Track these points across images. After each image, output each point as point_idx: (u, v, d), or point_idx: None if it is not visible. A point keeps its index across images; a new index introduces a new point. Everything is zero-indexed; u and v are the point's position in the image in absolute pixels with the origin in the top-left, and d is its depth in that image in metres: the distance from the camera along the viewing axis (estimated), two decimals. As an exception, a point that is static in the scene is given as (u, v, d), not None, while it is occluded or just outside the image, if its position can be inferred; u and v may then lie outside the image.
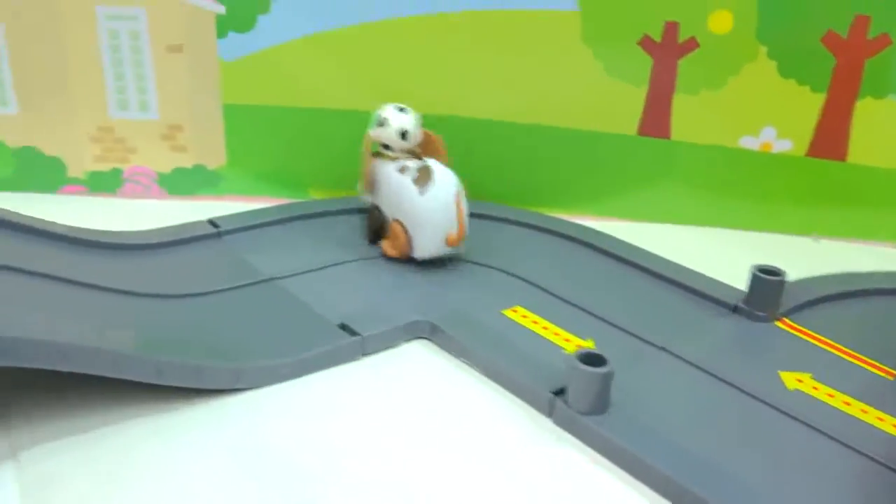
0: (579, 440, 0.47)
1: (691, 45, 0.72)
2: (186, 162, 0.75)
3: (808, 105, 0.74)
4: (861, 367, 0.55)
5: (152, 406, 0.47)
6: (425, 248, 0.62)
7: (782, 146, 0.76)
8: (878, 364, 0.55)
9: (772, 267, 0.60)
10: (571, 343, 0.55)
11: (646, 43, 0.72)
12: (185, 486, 0.42)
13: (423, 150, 0.65)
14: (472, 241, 0.64)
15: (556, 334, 0.56)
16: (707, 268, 0.65)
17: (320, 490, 0.42)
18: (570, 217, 0.75)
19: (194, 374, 0.47)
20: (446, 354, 0.55)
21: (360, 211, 0.71)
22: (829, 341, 0.58)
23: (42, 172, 0.74)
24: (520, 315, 0.58)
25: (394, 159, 0.64)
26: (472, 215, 0.63)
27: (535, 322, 0.57)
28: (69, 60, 0.71)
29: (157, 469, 0.43)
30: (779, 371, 0.54)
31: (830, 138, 0.75)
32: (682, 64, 0.73)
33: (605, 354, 0.47)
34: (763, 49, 0.72)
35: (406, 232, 0.62)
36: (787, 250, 0.74)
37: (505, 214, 0.72)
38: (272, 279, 0.60)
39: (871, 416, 0.50)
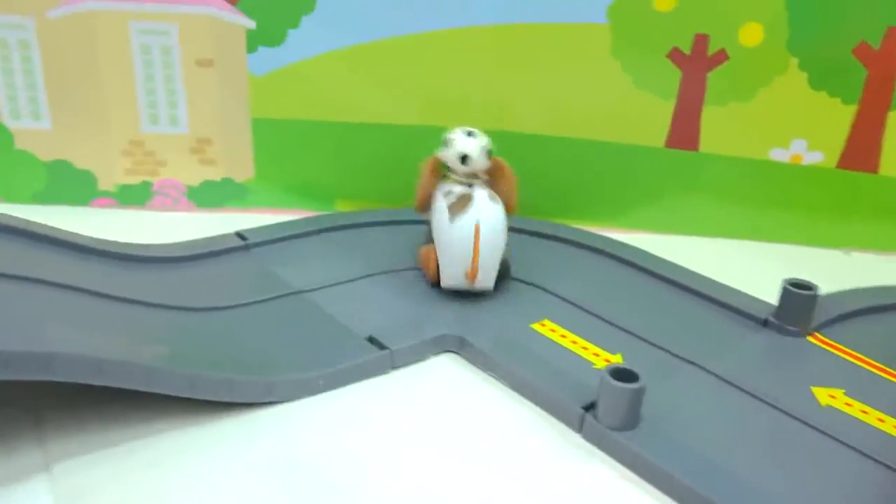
0: (609, 456, 0.47)
1: (721, 57, 0.72)
2: (215, 175, 0.76)
3: (839, 117, 0.73)
4: (895, 383, 0.54)
5: (183, 419, 0.47)
6: (448, 278, 0.60)
7: (813, 158, 0.75)
8: (912, 380, 0.54)
9: (803, 281, 0.59)
10: (600, 357, 0.55)
11: (675, 55, 0.72)
12: (216, 498, 0.42)
13: (490, 177, 0.61)
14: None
15: (585, 348, 0.56)
16: (736, 281, 0.64)
17: (350, 503, 0.42)
18: (597, 230, 0.75)
19: (226, 387, 0.47)
20: (474, 368, 0.55)
21: (387, 223, 0.72)
22: (862, 357, 0.57)
23: (73, 186, 0.75)
24: (548, 329, 0.58)
25: (456, 182, 0.61)
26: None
27: (564, 336, 0.57)
28: (102, 75, 0.72)
29: (189, 482, 0.43)
30: (811, 386, 0.53)
31: (862, 150, 0.74)
32: (712, 76, 0.73)
33: (636, 369, 0.47)
34: (794, 61, 0.71)
35: (437, 259, 0.61)
36: (818, 263, 0.73)
37: (533, 227, 0.72)
38: (300, 292, 0.60)
39: (907, 433, 0.49)
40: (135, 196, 0.76)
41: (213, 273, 0.62)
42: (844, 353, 0.57)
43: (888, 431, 0.49)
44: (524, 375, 0.52)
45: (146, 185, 0.76)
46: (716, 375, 0.53)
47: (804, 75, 0.72)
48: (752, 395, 0.52)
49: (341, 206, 0.77)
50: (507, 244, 0.61)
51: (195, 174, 0.76)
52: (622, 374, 0.47)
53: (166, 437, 0.46)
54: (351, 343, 0.54)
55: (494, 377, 0.54)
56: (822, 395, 0.52)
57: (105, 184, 0.75)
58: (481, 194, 0.59)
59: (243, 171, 0.76)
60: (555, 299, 0.62)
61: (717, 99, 0.74)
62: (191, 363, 0.47)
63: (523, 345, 0.55)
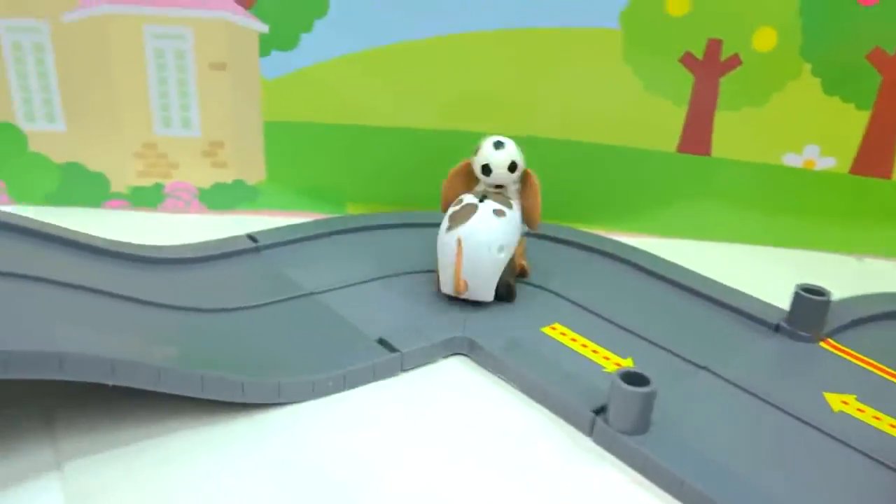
0: (619, 460, 0.47)
1: (734, 62, 0.72)
2: (227, 177, 0.76)
3: (853, 122, 0.73)
4: (908, 389, 0.54)
5: (194, 419, 0.47)
6: (444, 284, 0.60)
7: (826, 164, 0.75)
8: (925, 386, 0.54)
9: (815, 286, 0.59)
10: (610, 361, 0.54)
11: (687, 60, 0.72)
12: (226, 498, 0.42)
13: (520, 188, 0.61)
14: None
15: (595, 352, 0.55)
16: (748, 286, 0.64)
17: (359, 506, 0.42)
18: (608, 234, 0.75)
19: (237, 388, 0.47)
20: (484, 371, 0.55)
21: (399, 226, 0.72)
22: (874, 363, 0.57)
23: (86, 187, 0.75)
24: (558, 332, 0.58)
25: (484, 190, 0.60)
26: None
27: (574, 339, 0.57)
28: (115, 78, 0.72)
29: (199, 481, 0.43)
30: (823, 392, 0.53)
31: (875, 156, 0.74)
32: (725, 81, 0.72)
33: (646, 373, 0.47)
34: (807, 66, 0.71)
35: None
36: (831, 269, 0.73)
37: (543, 231, 0.72)
38: (310, 294, 0.60)
39: (920, 439, 0.49)
40: (147, 198, 0.76)
41: (224, 274, 0.62)
42: (857, 358, 0.57)
43: (901, 438, 0.49)
44: (534, 379, 0.52)
45: (158, 187, 0.76)
46: (727, 380, 0.53)
47: (817, 80, 0.72)
48: (764, 400, 0.51)
49: (352, 209, 0.77)
50: (512, 265, 0.60)
51: (207, 176, 0.76)
52: (633, 378, 0.47)
53: (177, 436, 0.46)
54: (361, 345, 0.54)
55: (504, 380, 0.53)
56: (835, 400, 0.52)
57: (118, 186, 0.76)
58: (485, 208, 0.58)
59: (255, 173, 0.76)
60: (565, 303, 0.62)
61: (730, 104, 0.73)
62: (201, 364, 0.47)
63: (534, 348, 0.55)
